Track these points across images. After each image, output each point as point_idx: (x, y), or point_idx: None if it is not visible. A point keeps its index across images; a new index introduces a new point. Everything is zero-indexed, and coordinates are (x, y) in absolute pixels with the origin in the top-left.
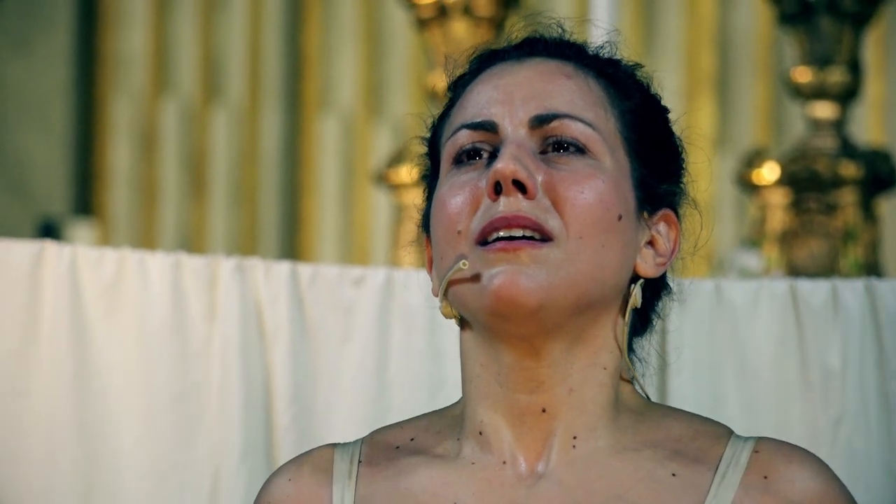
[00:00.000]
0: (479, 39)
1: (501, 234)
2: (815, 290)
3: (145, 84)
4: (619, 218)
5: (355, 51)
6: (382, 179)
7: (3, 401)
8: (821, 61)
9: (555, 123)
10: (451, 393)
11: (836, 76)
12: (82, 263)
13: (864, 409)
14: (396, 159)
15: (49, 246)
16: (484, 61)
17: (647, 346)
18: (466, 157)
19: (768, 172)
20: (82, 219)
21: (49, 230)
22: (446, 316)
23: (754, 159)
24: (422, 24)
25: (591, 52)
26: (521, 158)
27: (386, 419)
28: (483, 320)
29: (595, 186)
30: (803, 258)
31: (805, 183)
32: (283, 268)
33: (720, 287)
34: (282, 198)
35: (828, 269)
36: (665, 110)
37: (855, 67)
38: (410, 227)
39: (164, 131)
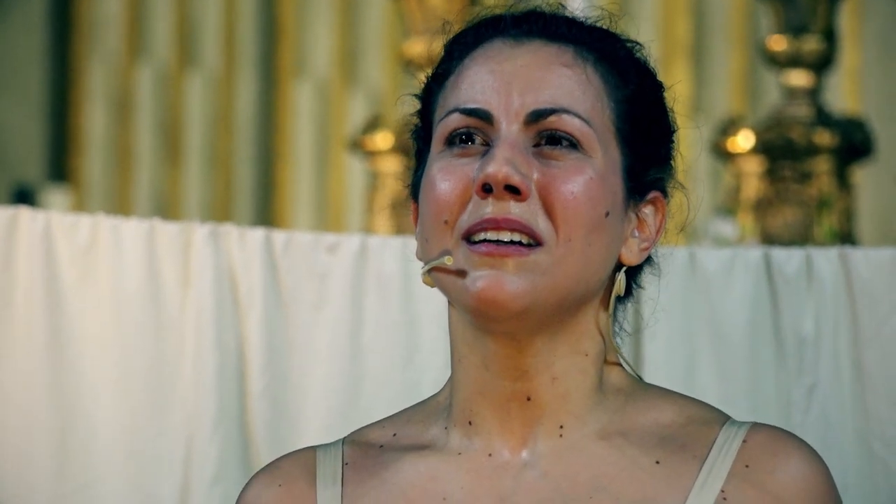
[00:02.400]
0: (454, 7)
1: (489, 236)
2: (789, 259)
3: (120, 50)
4: (607, 215)
5: (330, 18)
6: (357, 146)
7: None
8: (796, 30)
9: (551, 118)
10: (425, 359)
11: (811, 45)
12: (57, 230)
13: (837, 377)
14: (371, 126)
15: (23, 212)
16: (483, 30)
17: (622, 313)
18: (459, 139)
19: (743, 140)
20: (57, 185)
21: (23, 196)
22: (428, 286)
23: (729, 128)
24: None
25: (591, 34)
26: (513, 160)
27: (360, 387)
28: (466, 314)
29: (584, 184)
30: (778, 226)
31: (780, 151)
32: (258, 234)
33: (695, 255)
34: (256, 164)
35: (802, 238)
36: (660, 89)
37: (830, 36)
38: (385, 195)
39: (139, 97)
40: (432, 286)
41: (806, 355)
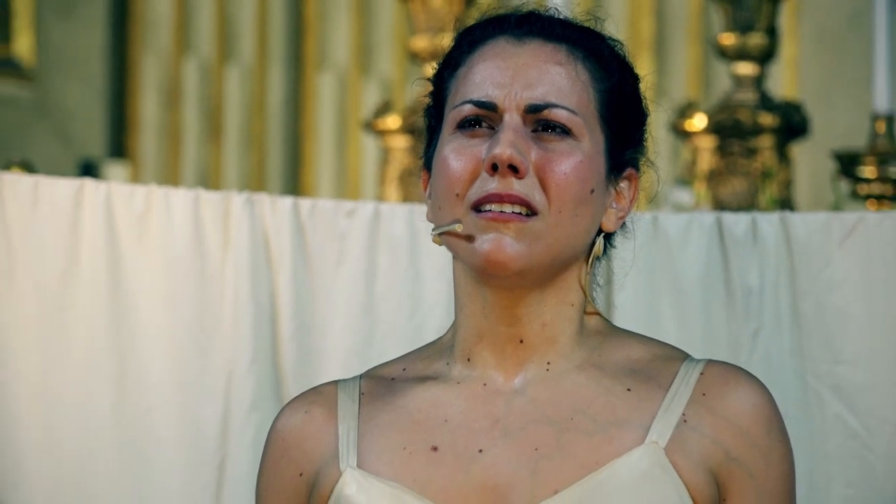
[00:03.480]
0: (453, 9)
1: (493, 207)
2: (737, 222)
3: (169, 45)
4: (592, 191)
5: (348, 17)
6: (370, 127)
7: (50, 315)
8: (743, 27)
9: (545, 111)
10: (428, 308)
11: (756, 40)
12: (116, 198)
13: (778, 322)
14: (382, 110)
15: (88, 183)
16: (488, 28)
17: (597, 269)
18: (468, 124)
19: (698, 122)
20: (116, 160)
21: (88, 170)
22: (437, 244)
23: (686, 111)
24: None
25: (581, 34)
26: (516, 143)
27: (374, 331)
28: (472, 271)
29: (574, 166)
30: (727, 195)
31: (729, 130)
32: (287, 202)
33: (657, 219)
34: (285, 143)
35: (748, 204)
36: (637, 80)
37: (772, 32)
38: (394, 168)
39: (186, 86)
40: (440, 245)
41: (751, 304)
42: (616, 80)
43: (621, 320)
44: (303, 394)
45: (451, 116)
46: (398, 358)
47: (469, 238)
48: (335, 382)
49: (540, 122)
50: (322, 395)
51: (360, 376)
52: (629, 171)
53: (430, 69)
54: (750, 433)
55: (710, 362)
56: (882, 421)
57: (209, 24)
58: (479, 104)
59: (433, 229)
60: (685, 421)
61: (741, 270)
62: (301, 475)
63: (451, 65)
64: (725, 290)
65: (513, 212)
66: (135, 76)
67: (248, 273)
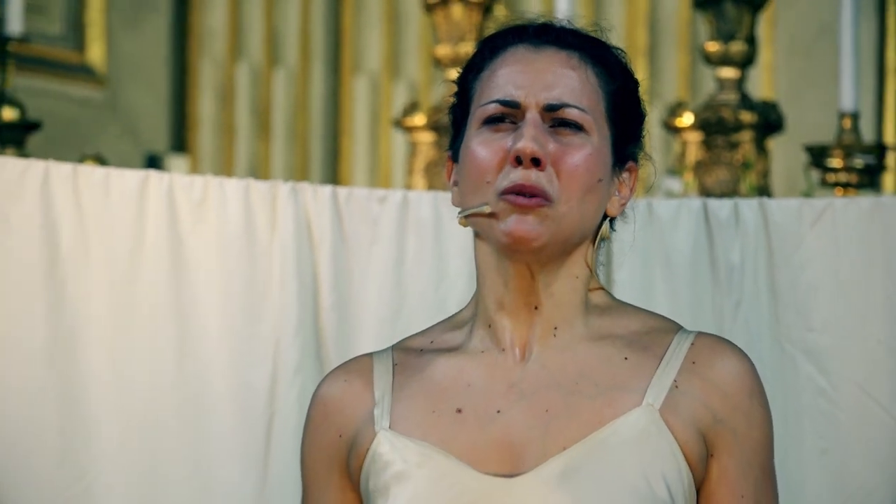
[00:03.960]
0: (472, 20)
1: (518, 194)
2: (721, 207)
3: (224, 52)
4: (599, 181)
5: (380, 28)
6: (399, 125)
7: (120, 288)
8: (726, 37)
9: (560, 110)
10: (451, 282)
11: (738, 47)
12: (177, 187)
13: (756, 294)
14: (410, 110)
15: (153, 174)
16: (510, 36)
17: (601, 250)
18: (494, 120)
19: (686, 119)
20: (177, 154)
21: (152, 162)
22: (462, 226)
23: (676, 110)
24: (429, 7)
25: (590, 43)
26: (537, 138)
27: (402, 303)
28: (498, 247)
29: (585, 158)
30: (712, 183)
31: (714, 127)
32: (326, 190)
33: (651, 205)
34: (325, 138)
35: (731, 191)
36: (637, 84)
37: (751, 41)
38: (421, 160)
39: (238, 88)
40: (466, 226)
41: (733, 279)
42: (620, 83)
43: (620, 293)
44: (342, 364)
45: (478, 114)
46: (425, 330)
47: (495, 217)
48: (371, 354)
49: (556, 119)
50: (359, 365)
51: (392, 348)
52: (630, 163)
53: (454, 73)
54: (734, 398)
55: (699, 334)
56: (847, 380)
57: (258, 33)
58: (503, 103)
59: (460, 212)
60: (677, 386)
61: (724, 249)
62: (340, 437)
63: (475, 69)
64: (710, 267)
65: (533, 196)
66: (193, 80)
67: (293, 252)
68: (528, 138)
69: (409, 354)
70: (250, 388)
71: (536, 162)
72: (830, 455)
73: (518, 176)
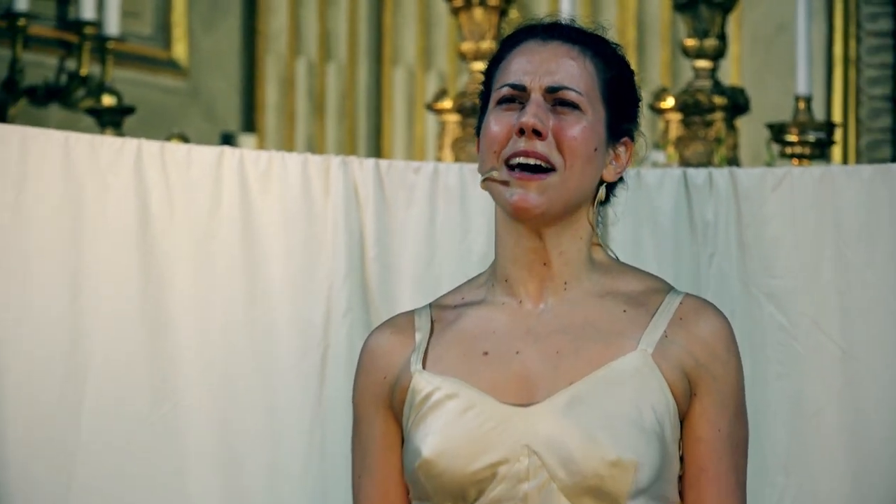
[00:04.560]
0: (490, 21)
1: (521, 160)
2: (698, 175)
3: (285, 49)
4: (595, 150)
5: (414, 27)
6: (431, 108)
7: (200, 244)
8: (701, 34)
9: (560, 92)
10: (473, 237)
11: (710, 43)
12: (247, 160)
13: (728, 247)
14: (439, 95)
15: (227, 150)
16: (522, 34)
17: (601, 212)
18: (506, 101)
19: (669, 102)
20: (248, 133)
21: (227, 140)
22: (484, 189)
23: (660, 94)
24: (455, 11)
25: (590, 38)
26: (538, 115)
27: (433, 253)
28: (506, 213)
29: (581, 130)
30: (690, 155)
31: (691, 108)
32: (370, 162)
33: (640, 173)
34: (369, 119)
35: (706, 162)
36: (632, 73)
37: (722, 37)
38: (448, 138)
39: (297, 79)
40: (485, 189)
41: (708, 234)
42: (615, 72)
43: (615, 246)
44: (388, 320)
45: (494, 96)
46: (456, 289)
47: (504, 183)
48: (412, 311)
49: (556, 99)
50: (402, 320)
51: (430, 305)
52: (625, 139)
53: (476, 65)
54: (714, 348)
55: (687, 295)
56: (802, 317)
57: (313, 33)
58: (513, 86)
59: (481, 178)
60: (667, 336)
61: (701, 210)
62: (385, 378)
63: (496, 61)
64: (689, 224)
65: (535, 166)
66: (260, 72)
67: (343, 214)
68: (531, 114)
69: (444, 310)
70: (308, 324)
71: (538, 133)
72: (788, 379)
73: (522, 144)
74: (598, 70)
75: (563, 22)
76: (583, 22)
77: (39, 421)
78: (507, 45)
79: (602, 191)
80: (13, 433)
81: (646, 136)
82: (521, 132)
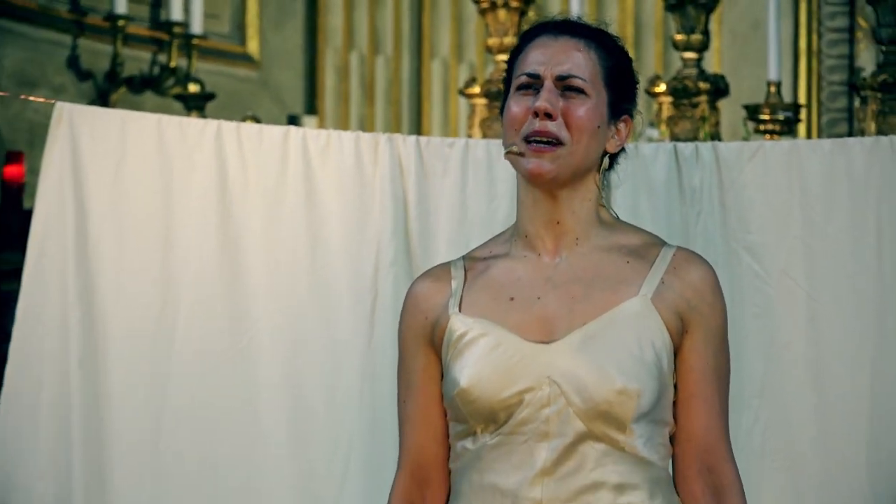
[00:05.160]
0: (512, 20)
1: (536, 138)
2: (686, 147)
3: (341, 44)
4: (598, 127)
5: (449, 25)
6: (462, 93)
7: (270, 208)
8: (688, 30)
9: (568, 79)
10: (498, 202)
11: (696, 37)
12: (309, 138)
13: (712, 207)
14: (470, 83)
15: (292, 129)
16: (537, 30)
17: (606, 178)
18: (524, 87)
19: (661, 87)
20: (310, 115)
21: (293, 120)
22: (507, 160)
23: (655, 81)
24: (483, 11)
25: (594, 32)
26: (550, 99)
27: (465, 215)
28: (524, 179)
29: (585, 111)
30: (680, 131)
31: (680, 92)
32: (412, 139)
33: (638, 147)
34: (411, 103)
35: (693, 137)
36: (630, 60)
37: (705, 33)
38: (477, 118)
39: (352, 69)
40: (508, 160)
41: (695, 197)
42: (615, 61)
43: (617, 208)
44: (428, 270)
45: (514, 83)
46: (485, 243)
47: (521, 156)
48: (448, 263)
49: (565, 85)
50: (440, 270)
51: (464, 257)
52: (625, 117)
53: (501, 57)
54: (702, 292)
55: (678, 248)
56: (773, 266)
57: (364, 30)
58: (529, 75)
59: (504, 152)
60: (663, 283)
61: (688, 177)
62: (426, 319)
63: (516, 52)
64: (679, 189)
65: (547, 142)
66: (321, 63)
67: (389, 182)
68: (543, 99)
69: (475, 262)
70: (360, 274)
71: (549, 115)
72: (762, 318)
73: (536, 125)
74: (600, 59)
75: (571, 19)
76: (588, 19)
77: (138, 357)
78: (525, 39)
79: (606, 160)
80: (116, 369)
81: (642, 115)
82: (536, 114)
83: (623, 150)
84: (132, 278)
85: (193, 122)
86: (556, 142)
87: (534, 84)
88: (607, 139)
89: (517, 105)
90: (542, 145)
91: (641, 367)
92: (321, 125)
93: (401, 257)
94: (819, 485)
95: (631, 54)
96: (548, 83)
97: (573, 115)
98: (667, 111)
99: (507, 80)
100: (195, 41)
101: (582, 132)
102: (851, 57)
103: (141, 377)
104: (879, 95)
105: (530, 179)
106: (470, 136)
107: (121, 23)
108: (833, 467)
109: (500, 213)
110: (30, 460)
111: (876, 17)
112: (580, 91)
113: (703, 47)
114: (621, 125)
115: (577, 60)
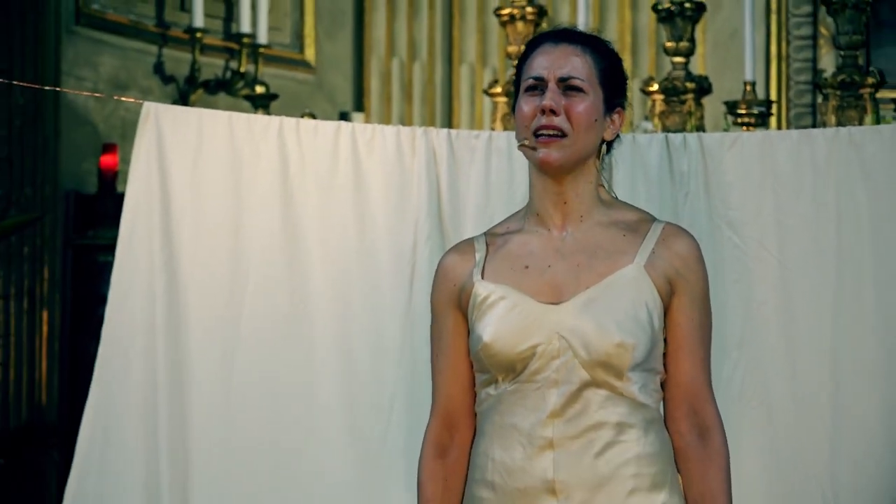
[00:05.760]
0: (527, 30)
1: (544, 131)
2: (676, 138)
3: (384, 52)
4: (595, 120)
5: (475, 35)
6: (487, 93)
7: (323, 192)
8: (677, 38)
9: (569, 80)
10: (517, 185)
11: (684, 44)
12: (357, 131)
13: (698, 188)
14: (493, 84)
15: (343, 124)
16: (541, 38)
17: (605, 163)
18: (531, 89)
19: (654, 87)
20: (358, 112)
21: (343, 117)
22: (520, 151)
23: (648, 81)
24: (503, 23)
25: (591, 39)
26: (554, 98)
27: (489, 196)
28: (535, 167)
29: (584, 107)
30: (670, 124)
31: (671, 91)
32: (444, 132)
33: (635, 138)
34: (443, 102)
35: (681, 129)
36: (620, 61)
37: (692, 40)
38: (499, 113)
39: (393, 73)
40: (521, 152)
41: (683, 180)
42: (608, 62)
43: (615, 189)
44: (455, 244)
45: (523, 85)
46: (503, 221)
47: (532, 148)
48: (472, 238)
49: (566, 86)
50: (466, 244)
51: (485, 233)
52: (618, 110)
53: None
54: (687, 260)
55: (667, 223)
56: (751, 239)
57: (404, 40)
58: (535, 78)
59: (518, 145)
60: (654, 253)
61: (678, 162)
62: (454, 285)
63: (523, 59)
64: (670, 173)
65: (553, 135)
66: (367, 68)
67: (425, 168)
68: (548, 98)
69: (495, 237)
70: (401, 248)
71: (554, 112)
72: (740, 283)
73: (543, 120)
74: (595, 61)
75: (569, 28)
76: (589, 28)
77: (212, 322)
78: (530, 46)
79: (604, 147)
80: (194, 333)
81: (634, 108)
82: (543, 112)
83: (618, 137)
84: (208, 253)
85: (259, 119)
86: (560, 134)
87: (539, 85)
88: (604, 129)
89: (527, 105)
90: (549, 137)
91: (636, 324)
92: (367, 121)
93: (434, 233)
94: (789, 423)
95: (628, 59)
96: (551, 84)
97: (574, 111)
98: (659, 107)
99: (517, 82)
100: (261, 50)
101: (581, 125)
102: (815, 60)
103: (213, 341)
104: (839, 93)
105: (540, 167)
106: (493, 129)
107: (198, 35)
108: (802, 408)
109: (519, 196)
110: (122, 397)
111: (836, 27)
112: (579, 90)
113: (689, 53)
114: (615, 117)
115: (576, 63)
